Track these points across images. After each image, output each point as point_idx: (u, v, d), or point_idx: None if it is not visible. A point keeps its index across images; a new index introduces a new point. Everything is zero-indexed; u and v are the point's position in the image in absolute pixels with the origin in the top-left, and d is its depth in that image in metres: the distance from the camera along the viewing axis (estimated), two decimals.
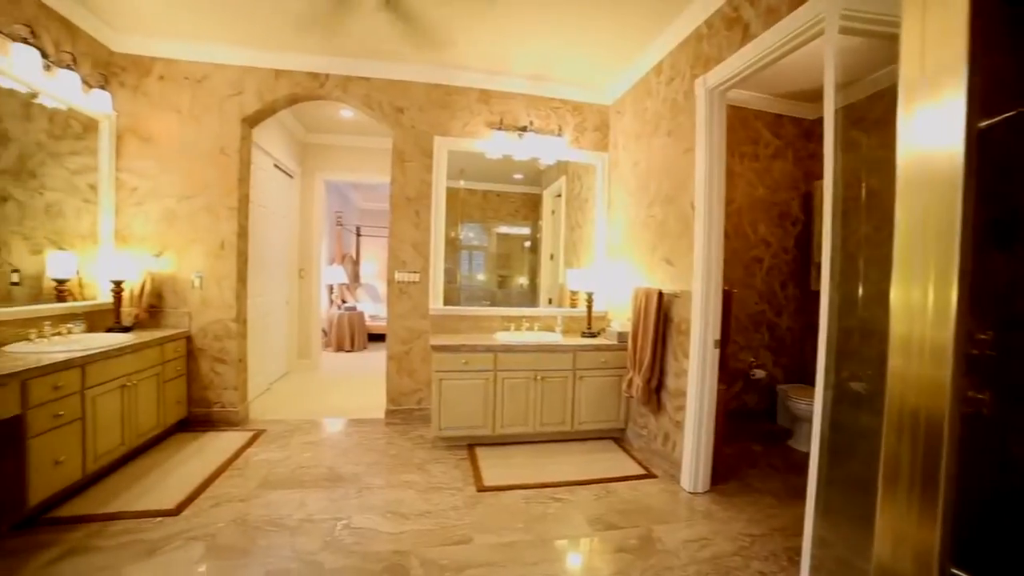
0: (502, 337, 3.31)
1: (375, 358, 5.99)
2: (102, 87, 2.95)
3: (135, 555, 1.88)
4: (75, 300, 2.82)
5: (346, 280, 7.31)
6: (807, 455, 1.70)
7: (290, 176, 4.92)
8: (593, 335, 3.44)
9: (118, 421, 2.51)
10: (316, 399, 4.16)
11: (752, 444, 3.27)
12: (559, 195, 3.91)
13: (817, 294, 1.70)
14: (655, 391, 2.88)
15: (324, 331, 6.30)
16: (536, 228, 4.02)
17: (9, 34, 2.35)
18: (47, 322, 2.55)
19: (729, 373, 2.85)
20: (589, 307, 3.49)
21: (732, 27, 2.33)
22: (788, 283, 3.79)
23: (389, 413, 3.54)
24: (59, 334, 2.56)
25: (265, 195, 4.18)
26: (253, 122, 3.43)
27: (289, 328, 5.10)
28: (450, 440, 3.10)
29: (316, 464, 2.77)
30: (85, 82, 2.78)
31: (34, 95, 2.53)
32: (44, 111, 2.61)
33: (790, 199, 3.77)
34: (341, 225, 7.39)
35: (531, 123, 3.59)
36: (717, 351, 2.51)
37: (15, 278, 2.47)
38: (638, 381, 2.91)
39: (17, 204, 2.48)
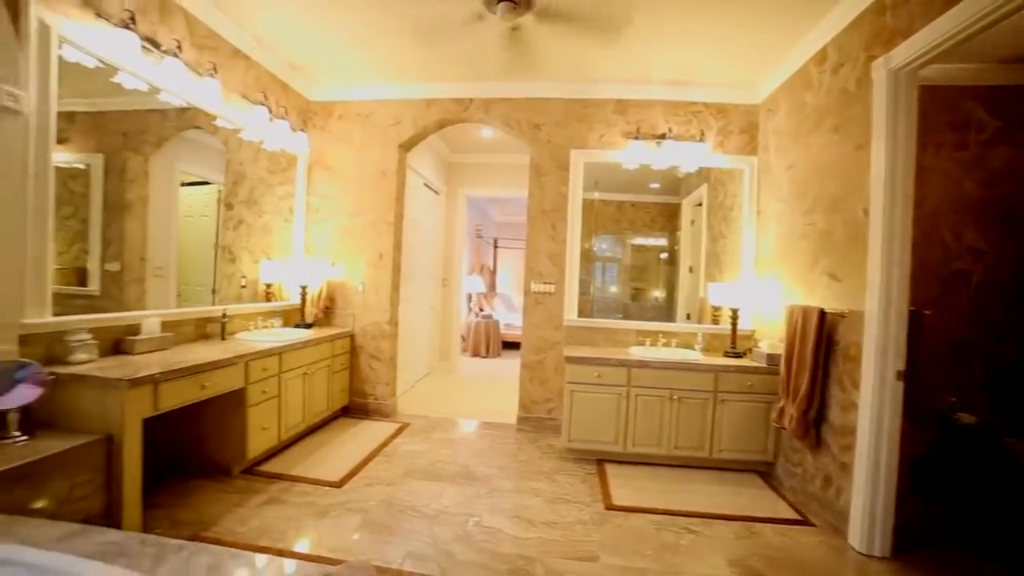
0: (637, 352, 3.20)
1: (508, 365, 6.24)
2: (301, 130, 3.67)
3: (310, 514, 2.24)
4: (276, 300, 3.51)
5: (483, 289, 7.78)
6: None
7: (436, 193, 5.45)
8: (738, 355, 3.12)
9: (300, 402, 3.03)
10: (454, 400, 4.50)
11: (955, 508, 2.61)
12: (699, 204, 3.66)
13: None
14: (813, 424, 2.48)
15: (462, 337, 6.78)
16: (673, 239, 3.81)
17: (249, 98, 3.07)
18: (260, 317, 3.22)
19: (918, 413, 2.33)
20: (734, 325, 3.18)
21: None
22: (1017, 304, 2.95)
23: (520, 420, 3.66)
24: (266, 327, 3.22)
25: (415, 211, 4.69)
26: (408, 147, 3.89)
27: (432, 332, 5.61)
28: (578, 453, 3.09)
29: (452, 461, 2.99)
30: (292, 128, 3.47)
31: (261, 142, 3.24)
32: (265, 153, 3.33)
33: (1019, 194, 2.94)
34: (480, 237, 7.91)
35: (669, 130, 3.43)
36: (901, 384, 2.07)
37: (243, 282, 3.19)
38: (791, 411, 2.55)
39: (247, 226, 3.20)
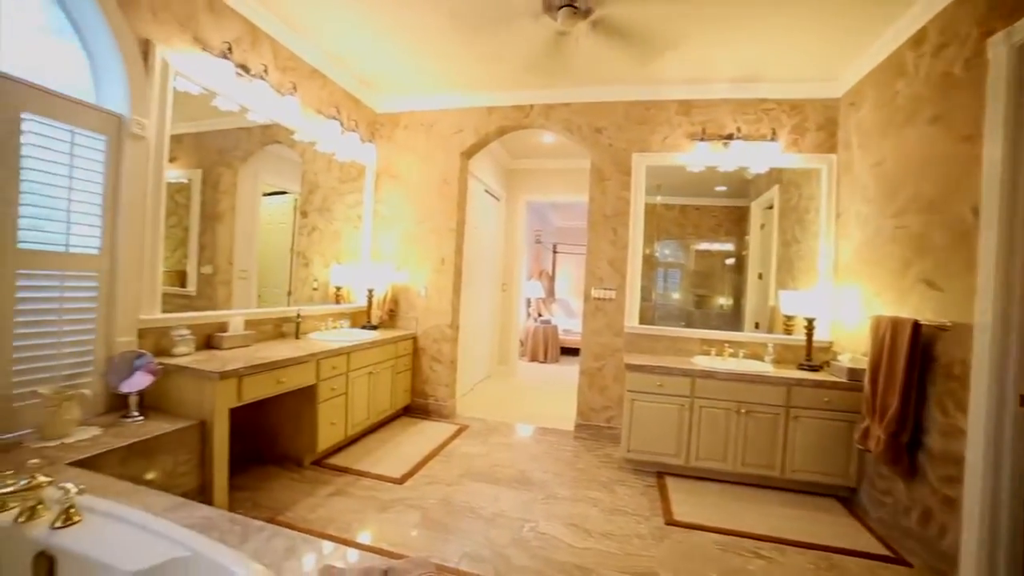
0: (701, 362, 3.06)
1: (566, 371, 6.19)
2: (370, 141, 3.87)
3: (373, 507, 2.34)
4: (344, 302, 3.71)
5: (542, 295, 7.80)
6: None
7: (497, 199, 5.54)
8: (814, 368, 2.89)
9: (365, 400, 3.18)
10: (512, 404, 4.53)
11: None
12: (770, 207, 3.45)
13: None
14: (906, 449, 2.22)
15: (521, 341, 6.82)
16: (741, 244, 3.61)
17: (323, 113, 3.29)
18: (330, 318, 3.43)
19: None
20: (809, 335, 2.96)
21: None
22: None
23: (578, 427, 3.61)
24: (335, 328, 3.41)
25: (476, 217, 4.79)
26: (469, 155, 3.99)
27: (491, 336, 5.69)
28: (638, 464, 3.00)
29: (509, 465, 3.00)
30: (361, 139, 3.68)
31: (333, 153, 3.46)
32: (336, 163, 3.55)
33: None
34: (540, 243, 7.94)
35: (738, 130, 3.27)
36: None
37: (315, 285, 3.41)
38: (878, 432, 2.31)
39: (320, 232, 3.43)
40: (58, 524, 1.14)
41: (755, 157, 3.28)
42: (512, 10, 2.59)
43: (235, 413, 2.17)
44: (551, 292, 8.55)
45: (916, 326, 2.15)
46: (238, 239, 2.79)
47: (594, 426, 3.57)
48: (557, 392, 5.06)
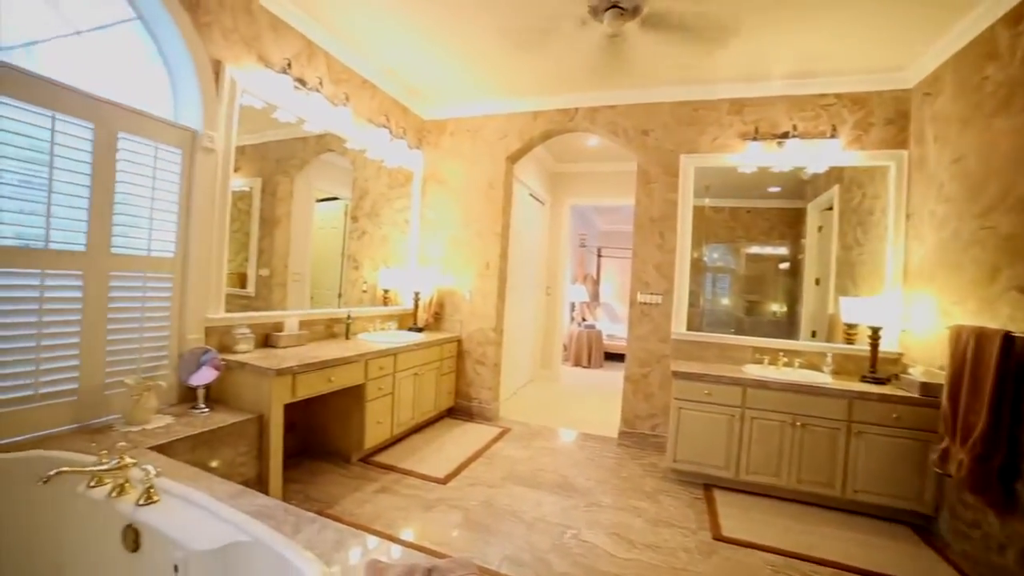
0: (752, 370, 2.93)
1: (610, 377, 6.10)
2: (417, 147, 3.99)
3: (417, 506, 2.40)
4: (392, 305, 3.83)
5: (586, 299, 7.71)
6: None
7: (541, 203, 5.54)
8: (879, 381, 2.69)
9: (410, 400, 3.26)
10: (555, 408, 4.50)
11: None
12: (829, 208, 3.25)
13: None
14: (996, 475, 1.97)
15: (564, 346, 6.78)
16: (796, 247, 3.42)
17: (373, 122, 3.42)
18: (378, 319, 3.55)
19: None
20: (874, 346, 2.76)
21: None
22: None
23: (622, 434, 3.54)
24: (383, 329, 3.53)
25: (521, 221, 4.81)
26: (515, 159, 4.02)
27: (535, 340, 5.69)
28: (684, 474, 2.90)
29: (552, 470, 2.99)
30: (409, 146, 3.79)
31: (382, 160, 3.59)
32: (385, 170, 3.68)
33: None
34: (584, 246, 7.87)
35: (794, 128, 3.11)
36: None
37: (364, 288, 3.54)
38: (961, 455, 2.09)
39: (369, 236, 3.56)
40: (141, 502, 1.26)
41: (812, 156, 3.10)
42: (558, 18, 2.60)
43: (289, 409, 2.29)
44: (595, 296, 8.44)
45: (1008, 338, 1.93)
46: (293, 243, 2.95)
47: (639, 434, 3.48)
48: (601, 398, 4.99)
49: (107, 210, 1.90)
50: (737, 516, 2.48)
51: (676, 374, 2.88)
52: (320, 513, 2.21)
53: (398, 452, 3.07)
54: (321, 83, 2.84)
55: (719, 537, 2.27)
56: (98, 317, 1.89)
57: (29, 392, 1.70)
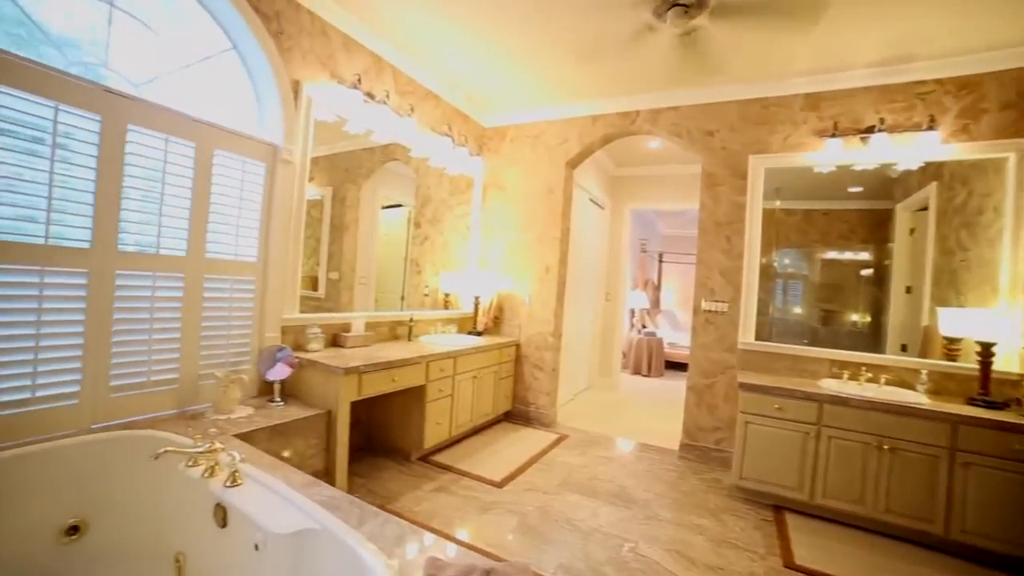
0: (830, 385, 2.71)
1: (671, 387, 5.89)
2: (478, 154, 4.08)
3: (473, 507, 2.43)
4: (452, 308, 3.93)
5: (647, 305, 7.50)
6: None
7: (601, 208, 5.47)
8: (994, 405, 2.37)
9: (469, 402, 3.32)
10: (613, 417, 4.41)
11: None
12: (923, 208, 2.93)
13: None
14: None
15: (624, 353, 6.62)
16: (881, 252, 3.12)
17: (436, 131, 3.55)
18: (439, 323, 3.65)
19: None
20: (985, 364, 2.44)
21: None
22: None
23: (683, 447, 3.40)
24: (444, 332, 3.63)
25: (580, 226, 4.77)
26: (574, 164, 4.00)
27: (593, 347, 5.60)
28: (751, 493, 2.73)
29: (609, 479, 2.92)
30: (470, 154, 3.89)
31: (444, 168, 3.70)
32: (447, 177, 3.80)
33: None
34: (645, 252, 7.66)
35: (881, 121, 2.85)
36: None
37: (426, 291, 3.66)
38: None
39: (431, 242, 3.69)
40: (228, 483, 1.38)
41: (904, 151, 2.82)
42: (621, 23, 2.57)
43: (354, 406, 2.41)
44: (656, 303, 8.18)
45: None
46: (360, 248, 3.11)
47: (701, 447, 3.32)
48: (661, 408, 4.82)
49: (203, 219, 2.12)
50: (812, 544, 2.29)
51: (743, 386, 2.72)
52: (381, 508, 2.31)
53: (456, 453, 3.13)
54: (388, 95, 2.99)
55: (791, 565, 2.11)
56: (194, 315, 2.10)
57: (143, 379, 1.95)
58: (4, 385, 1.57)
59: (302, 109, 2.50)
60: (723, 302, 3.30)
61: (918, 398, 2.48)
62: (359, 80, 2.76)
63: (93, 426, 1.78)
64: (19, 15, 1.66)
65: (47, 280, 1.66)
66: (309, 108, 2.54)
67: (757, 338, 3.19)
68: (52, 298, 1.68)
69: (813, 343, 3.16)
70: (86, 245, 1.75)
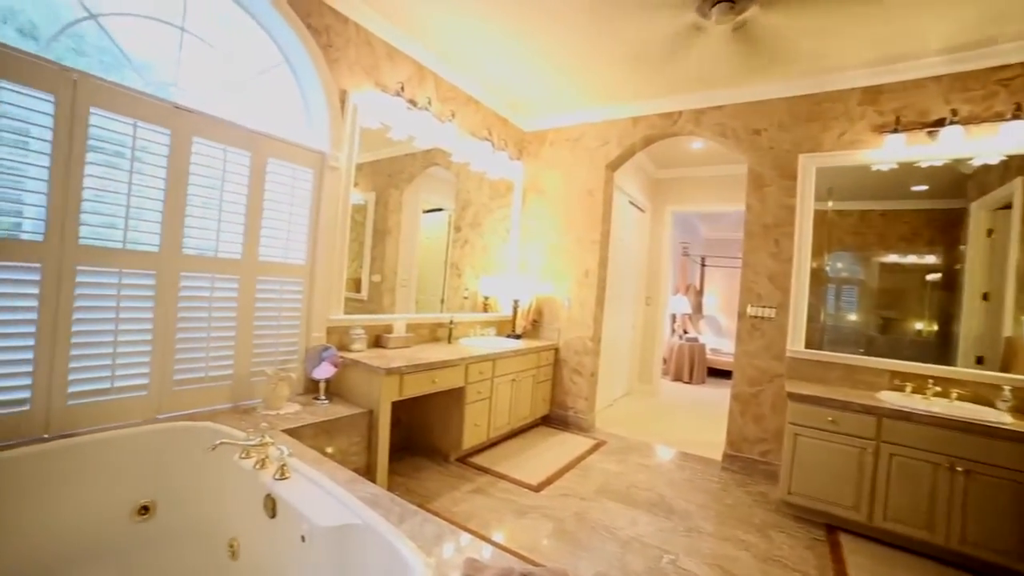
0: (890, 398, 2.53)
1: (714, 394, 5.70)
2: (518, 158, 4.11)
3: (510, 510, 2.43)
4: (491, 311, 3.96)
5: (689, 310, 7.29)
6: None
7: (641, 211, 5.36)
8: None
9: (507, 406, 3.33)
10: (653, 424, 4.30)
11: None
12: (1004, 207, 2.69)
13: None
14: None
15: (664, 359, 6.46)
16: (951, 255, 2.88)
17: (476, 136, 3.60)
18: (478, 325, 3.69)
19: None
20: None
21: None
22: None
23: (727, 457, 3.27)
24: (483, 335, 3.66)
25: (620, 229, 4.69)
26: (614, 167, 3.94)
27: (632, 352, 5.49)
28: (801, 510, 2.58)
29: (648, 488, 2.85)
30: (510, 158, 3.92)
31: (484, 172, 3.75)
32: (487, 181, 3.84)
33: None
34: (687, 255, 7.46)
35: (952, 113, 2.64)
36: None
37: (465, 294, 3.71)
38: None
39: (471, 245, 3.74)
40: (277, 476, 1.45)
41: (981, 144, 2.59)
42: (666, 22, 2.52)
43: (395, 406, 2.47)
44: (698, 308, 7.92)
45: None
46: (401, 252, 3.20)
47: (746, 458, 3.18)
48: (703, 416, 4.67)
49: (257, 224, 2.24)
50: (873, 570, 2.14)
51: (793, 396, 2.58)
52: (420, 507, 2.35)
53: (493, 455, 3.15)
54: (429, 102, 3.06)
55: None
56: (247, 314, 2.23)
57: (202, 375, 2.08)
58: (90, 375, 1.74)
59: (348, 117, 2.60)
60: (770, 308, 3.16)
61: (1000, 416, 2.26)
62: (402, 88, 2.84)
63: (159, 416, 1.92)
64: (108, 43, 1.85)
65: (124, 281, 1.81)
66: (355, 116, 2.64)
67: (807, 346, 3.03)
68: (128, 297, 1.83)
69: (869, 352, 2.96)
70: (155, 249, 1.90)
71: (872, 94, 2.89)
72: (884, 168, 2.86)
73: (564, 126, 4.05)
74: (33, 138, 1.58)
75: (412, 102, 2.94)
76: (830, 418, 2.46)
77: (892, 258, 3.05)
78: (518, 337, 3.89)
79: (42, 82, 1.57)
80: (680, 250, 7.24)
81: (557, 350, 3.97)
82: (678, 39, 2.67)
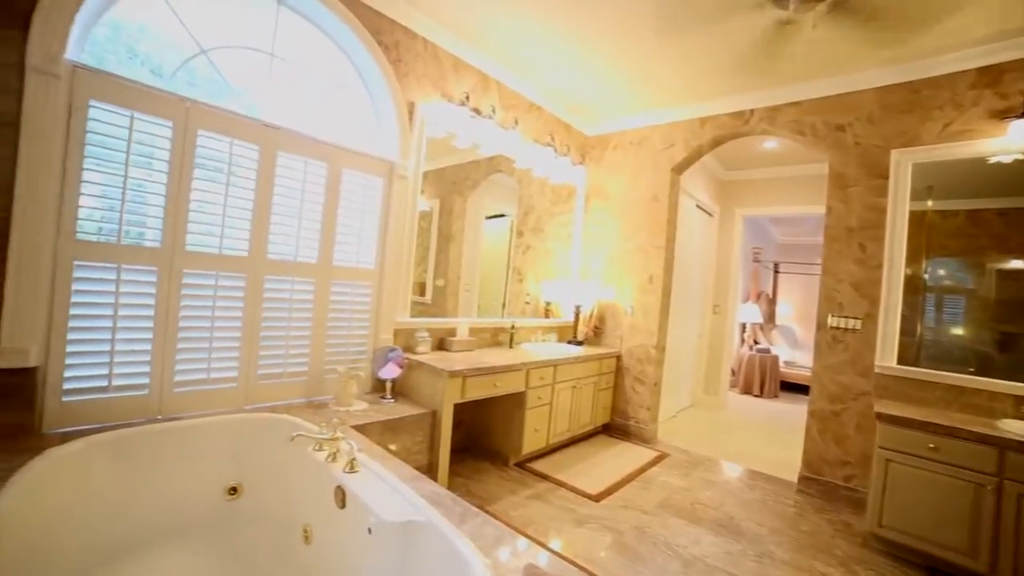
0: (1017, 428, 2.20)
1: (788, 410, 5.30)
2: (580, 164, 4.08)
3: (569, 520, 2.40)
4: (552, 317, 3.95)
5: (760, 320, 6.85)
6: None
7: (709, 215, 5.12)
8: None
9: (567, 413, 3.29)
10: (719, 438, 4.08)
11: None
12: None
13: None
14: None
15: (732, 370, 6.11)
16: None
17: (539, 142, 3.62)
18: (539, 331, 3.70)
19: None
20: None
21: None
22: None
23: (803, 480, 3.02)
24: (544, 341, 3.66)
25: (687, 234, 4.51)
26: (680, 169, 3.80)
27: (698, 362, 5.24)
28: (893, 546, 2.31)
29: (715, 506, 2.70)
30: (572, 163, 3.90)
31: (546, 177, 3.76)
32: (549, 187, 3.85)
33: None
34: (758, 261, 7.02)
35: None
36: None
37: (527, 299, 3.74)
38: None
39: (533, 251, 3.76)
40: (346, 470, 1.53)
41: None
42: (752, 22, 2.39)
43: (457, 408, 2.53)
44: (771, 317, 7.40)
45: None
46: (465, 257, 3.28)
47: (826, 482, 2.92)
48: (775, 433, 4.36)
49: (332, 231, 2.40)
50: None
51: (882, 417, 2.33)
52: (480, 509, 2.38)
53: (553, 462, 3.12)
54: (493, 110, 3.12)
55: None
56: (321, 315, 2.38)
57: (281, 370, 2.26)
58: (191, 367, 1.96)
59: (416, 128, 2.72)
60: (855, 318, 2.88)
61: None
62: (467, 97, 2.92)
63: (246, 407, 2.11)
64: (214, 73, 2.10)
65: (220, 283, 2.02)
66: (422, 127, 2.76)
67: (900, 362, 2.72)
68: (222, 298, 2.04)
69: (982, 372, 2.60)
70: (245, 254, 2.09)
71: (988, 75, 2.55)
72: (1006, 159, 2.52)
73: (628, 129, 3.96)
74: (156, 159, 1.83)
75: (476, 110, 3.02)
76: (931, 445, 2.20)
77: (1013, 263, 2.66)
78: (579, 343, 3.84)
79: (164, 111, 1.82)
80: (751, 256, 6.82)
81: (619, 358, 3.88)
82: (765, 36, 2.53)
